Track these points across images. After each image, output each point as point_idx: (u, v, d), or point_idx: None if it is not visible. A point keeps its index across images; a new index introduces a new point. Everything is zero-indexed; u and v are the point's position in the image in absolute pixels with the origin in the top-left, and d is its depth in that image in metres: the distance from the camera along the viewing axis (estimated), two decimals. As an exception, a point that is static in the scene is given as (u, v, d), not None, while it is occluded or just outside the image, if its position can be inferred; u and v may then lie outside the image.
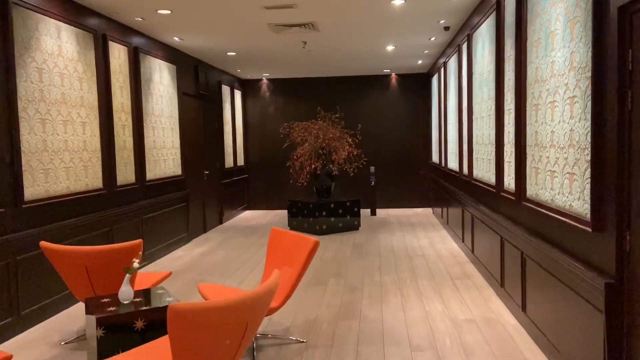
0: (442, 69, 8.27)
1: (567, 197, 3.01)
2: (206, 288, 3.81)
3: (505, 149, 4.42)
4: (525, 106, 3.81)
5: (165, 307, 3.13)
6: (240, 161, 10.83)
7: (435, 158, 9.70)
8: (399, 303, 4.69)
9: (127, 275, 3.18)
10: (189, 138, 8.05)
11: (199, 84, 8.47)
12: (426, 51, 8.28)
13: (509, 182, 4.30)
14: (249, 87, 11.21)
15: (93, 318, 2.96)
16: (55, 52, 4.66)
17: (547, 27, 3.34)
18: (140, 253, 3.71)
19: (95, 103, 5.30)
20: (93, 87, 5.26)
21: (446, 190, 7.95)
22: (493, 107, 4.83)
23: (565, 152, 3.03)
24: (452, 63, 7.35)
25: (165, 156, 7.05)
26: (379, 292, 5.06)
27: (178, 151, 7.51)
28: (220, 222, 9.45)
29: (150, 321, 3.04)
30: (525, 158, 3.81)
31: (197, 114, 8.53)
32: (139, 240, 3.74)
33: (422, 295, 4.92)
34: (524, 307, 3.95)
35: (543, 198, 3.45)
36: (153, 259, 6.54)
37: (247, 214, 10.79)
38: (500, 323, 4.10)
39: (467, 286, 5.15)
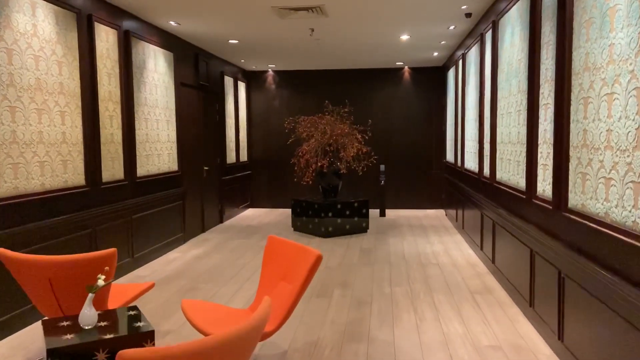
0: (460, 62, 7.66)
1: (630, 212, 2.43)
2: (190, 307, 3.26)
3: (539, 149, 3.83)
4: (569, 99, 3.22)
5: (134, 335, 2.60)
6: (243, 157, 10.29)
7: (449, 157, 9.10)
8: (413, 322, 4.13)
9: (90, 295, 2.64)
10: (187, 132, 7.51)
11: (199, 74, 7.91)
12: (443, 42, 7.68)
13: (544, 188, 3.72)
14: (253, 79, 10.65)
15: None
16: (29, 31, 4.12)
17: (603, 3, 2.75)
18: (114, 264, 3.17)
19: (77, 90, 4.76)
20: (75, 73, 4.72)
21: (462, 192, 7.36)
22: (524, 102, 4.24)
23: (628, 156, 2.45)
24: (472, 54, 6.74)
25: (160, 151, 6.51)
26: (389, 307, 4.50)
27: (174, 145, 6.97)
28: (221, 221, 8.91)
29: (116, 353, 2.49)
30: (568, 161, 3.23)
31: (197, 106, 7.98)
32: (112, 250, 3.19)
33: (438, 312, 4.36)
34: (560, 335, 3.38)
35: (592, 210, 2.87)
36: (144, 261, 6.01)
37: (250, 213, 10.25)
38: (532, 352, 3.53)
39: (489, 303, 4.57)
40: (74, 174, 4.69)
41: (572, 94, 3.18)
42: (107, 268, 2.75)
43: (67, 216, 4.57)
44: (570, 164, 3.20)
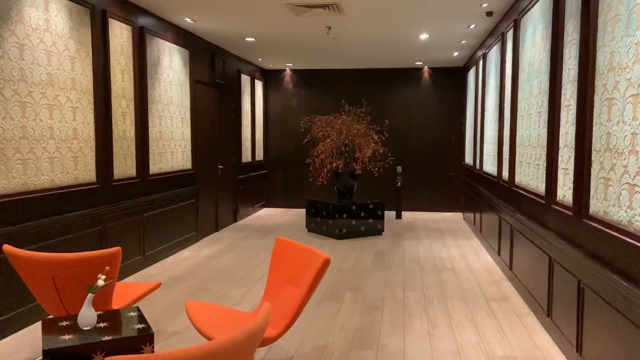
0: (481, 62, 7.49)
1: (656, 220, 2.28)
2: (194, 309, 3.18)
3: (560, 153, 3.67)
4: (592, 101, 3.06)
5: (133, 338, 2.53)
6: (259, 156, 10.23)
7: (468, 159, 8.92)
8: (425, 329, 4.00)
9: (90, 295, 2.58)
10: (202, 130, 7.47)
11: (216, 71, 7.87)
12: (463, 41, 7.51)
13: (564, 193, 3.56)
14: (271, 78, 10.58)
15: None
16: (41, 26, 4.09)
17: (630, 0, 2.60)
18: (117, 264, 3.11)
19: (90, 86, 4.73)
20: (88, 69, 4.70)
21: (481, 195, 7.19)
22: (545, 103, 4.08)
23: (655, 161, 2.30)
24: (493, 54, 6.57)
25: (173, 148, 6.47)
26: (401, 313, 4.37)
27: (188, 143, 6.93)
28: (235, 220, 8.86)
29: (114, 355, 2.43)
30: (590, 166, 3.07)
31: (212, 104, 7.94)
32: (117, 249, 3.13)
33: (452, 319, 4.22)
34: (578, 348, 3.22)
35: (615, 218, 2.72)
36: (155, 260, 5.97)
37: (265, 212, 10.19)
38: (548, 365, 3.38)
39: (505, 311, 4.42)
40: (84, 171, 4.66)
41: (595, 95, 3.02)
42: (107, 268, 2.69)
43: (77, 213, 4.54)
44: (592, 168, 3.04)
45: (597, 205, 2.96)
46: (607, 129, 2.83)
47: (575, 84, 3.35)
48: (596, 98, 3.00)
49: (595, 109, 3.02)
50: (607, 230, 2.80)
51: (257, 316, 1.98)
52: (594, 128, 3.02)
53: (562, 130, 3.63)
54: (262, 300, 3.45)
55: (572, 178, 3.38)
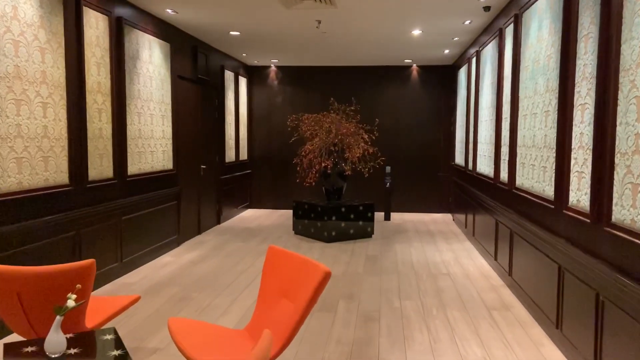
0: (474, 60, 7.26)
1: None
2: (178, 327, 2.86)
3: (573, 155, 3.43)
4: (615, 99, 2.82)
5: (108, 368, 2.20)
6: (243, 155, 9.88)
7: (459, 160, 8.70)
8: (427, 343, 3.73)
9: (58, 318, 2.24)
10: (184, 128, 7.10)
11: (198, 67, 7.51)
12: (456, 38, 7.27)
13: (579, 198, 3.31)
14: (255, 75, 10.23)
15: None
16: (8, 13, 3.71)
17: (666, -13, 2.35)
18: (91, 278, 2.77)
19: (62, 80, 4.35)
20: (60, 61, 4.32)
21: (473, 196, 6.96)
22: (553, 102, 3.84)
23: (702, 166, 2.05)
24: (488, 51, 6.34)
25: (154, 147, 6.10)
26: (399, 324, 4.09)
27: (170, 142, 6.56)
28: (218, 222, 8.51)
29: (85, 388, 2.10)
30: (613, 169, 2.82)
31: (195, 101, 7.57)
32: (91, 261, 2.79)
33: (454, 331, 3.95)
34: (596, 365, 2.98)
35: (646, 227, 2.47)
36: (134, 266, 5.61)
37: (249, 213, 9.84)
38: (563, 383, 3.14)
39: (508, 321, 4.17)
40: (56, 172, 4.28)
41: (619, 92, 2.77)
42: (79, 286, 2.35)
43: (48, 218, 4.16)
44: (615, 173, 2.79)
45: (622, 212, 2.72)
46: (636, 130, 2.58)
47: (593, 81, 3.11)
48: (621, 96, 2.75)
49: (619, 108, 2.77)
50: (635, 240, 2.56)
51: (257, 348, 1.67)
52: (618, 129, 2.77)
53: (576, 131, 3.39)
54: (254, 316, 3.14)
55: (589, 182, 3.14)
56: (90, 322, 3.02)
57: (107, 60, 5.07)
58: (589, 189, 3.12)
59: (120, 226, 5.33)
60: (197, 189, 7.61)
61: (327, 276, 2.77)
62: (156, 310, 4.36)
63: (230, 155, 9.03)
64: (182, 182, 6.92)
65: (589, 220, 3.12)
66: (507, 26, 5.35)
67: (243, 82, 9.80)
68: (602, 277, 2.91)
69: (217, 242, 7.17)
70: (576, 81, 3.41)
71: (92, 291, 4.77)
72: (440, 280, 5.36)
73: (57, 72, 4.28)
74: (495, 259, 5.63)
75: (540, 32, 4.24)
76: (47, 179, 4.17)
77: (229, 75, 8.92)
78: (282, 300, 3.00)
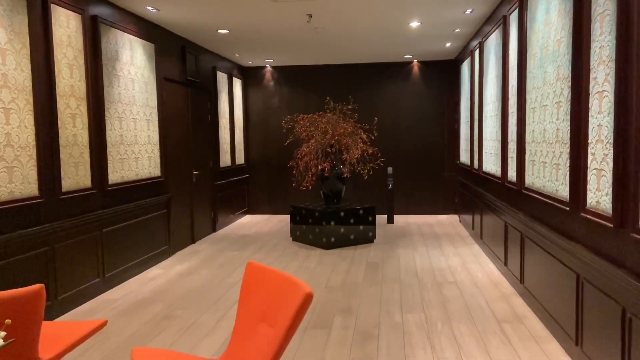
0: (477, 52, 6.86)
1: None
2: (140, 359, 2.49)
3: (590, 150, 3.03)
4: (639, 84, 2.42)
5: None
6: (240, 159, 9.52)
7: (464, 158, 8.29)
8: (430, 364, 3.34)
9: (-18, 361, 1.87)
10: (173, 132, 6.75)
11: (187, 68, 7.16)
12: (457, 30, 6.88)
13: (599, 199, 2.91)
14: (250, 76, 9.87)
15: None
16: (-42, 10, 3.38)
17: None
18: (38, 307, 2.40)
19: (28, 84, 4.00)
20: (24, 63, 3.97)
21: (480, 197, 6.56)
22: (566, 91, 3.44)
23: None
24: (492, 41, 5.94)
25: (138, 154, 5.75)
26: (401, 342, 3.71)
27: (156, 148, 6.21)
28: (214, 230, 8.15)
29: None
30: (639, 166, 2.42)
31: (185, 104, 7.22)
32: (39, 286, 2.42)
33: (461, 349, 3.56)
34: (625, 391, 2.58)
35: (684, 234, 2.08)
36: (118, 281, 5.25)
37: (247, 219, 9.48)
38: (586, 412, 2.74)
39: (521, 335, 3.77)
40: (22, 183, 3.93)
41: (645, 76, 2.38)
42: (8, 321, 1.98)
43: (15, 234, 3.81)
44: (643, 169, 2.40)
45: (652, 216, 2.32)
46: (667, 118, 2.19)
47: (612, 65, 2.71)
48: (647, 80, 2.36)
49: (645, 94, 2.37)
50: (670, 249, 2.16)
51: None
52: (645, 118, 2.38)
53: (593, 123, 2.99)
54: (231, 342, 2.76)
55: (610, 181, 2.74)
56: (46, 353, 2.66)
57: (82, 61, 4.72)
58: (611, 189, 2.73)
59: (102, 239, 4.97)
60: (190, 196, 7.25)
61: (308, 298, 2.38)
62: (135, 331, 4.00)
63: (225, 160, 8.68)
64: (172, 189, 6.57)
65: (611, 225, 2.72)
66: (512, 12, 4.95)
67: (238, 83, 9.45)
68: (629, 291, 2.52)
69: (210, 251, 6.81)
70: (591, 66, 3.02)
71: (72, 309, 4.45)
72: (446, 289, 4.96)
73: (22, 74, 3.93)
74: (505, 264, 5.23)
75: (548, 15, 3.85)
76: (11, 191, 3.82)
77: (221, 77, 8.57)
78: (261, 324, 2.62)
